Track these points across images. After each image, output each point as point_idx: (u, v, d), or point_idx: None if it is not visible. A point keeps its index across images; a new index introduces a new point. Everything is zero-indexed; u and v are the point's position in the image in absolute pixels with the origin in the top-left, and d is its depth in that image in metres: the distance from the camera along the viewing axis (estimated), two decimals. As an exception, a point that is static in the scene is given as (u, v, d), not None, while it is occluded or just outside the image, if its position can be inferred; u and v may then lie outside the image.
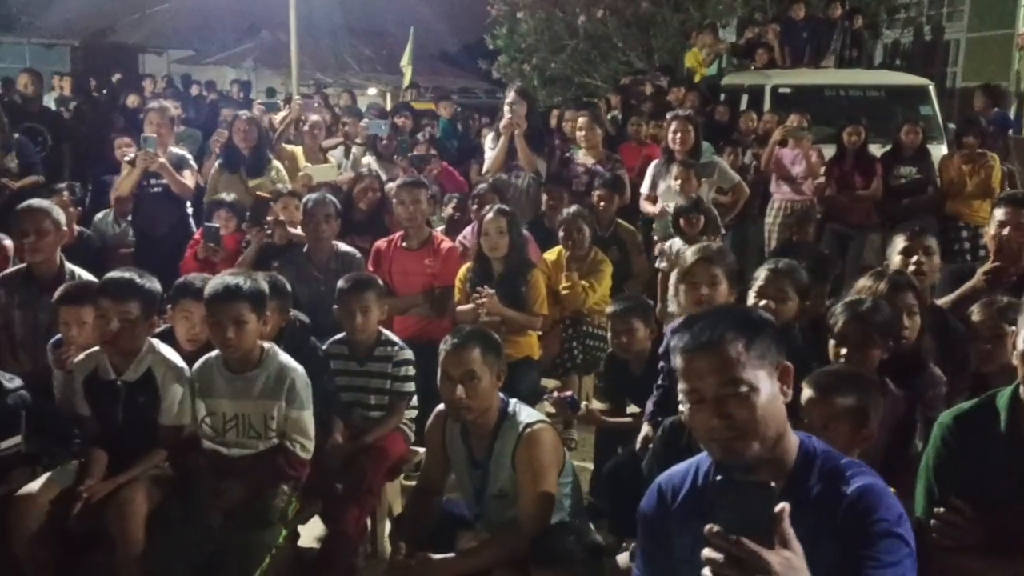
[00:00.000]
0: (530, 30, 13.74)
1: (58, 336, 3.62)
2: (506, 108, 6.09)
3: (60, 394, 3.54)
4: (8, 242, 5.32)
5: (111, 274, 3.32)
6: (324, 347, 3.84)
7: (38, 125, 7.43)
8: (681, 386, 1.77)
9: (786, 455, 1.76)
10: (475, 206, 5.52)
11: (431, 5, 21.86)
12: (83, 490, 3.05)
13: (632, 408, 4.10)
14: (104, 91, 12.17)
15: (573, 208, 5.22)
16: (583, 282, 4.97)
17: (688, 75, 11.55)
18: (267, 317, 3.27)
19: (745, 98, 10.03)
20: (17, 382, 3.31)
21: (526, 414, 2.92)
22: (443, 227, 5.67)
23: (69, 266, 4.16)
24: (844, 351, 2.88)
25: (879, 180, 7.27)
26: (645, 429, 3.40)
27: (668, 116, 6.39)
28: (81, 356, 3.35)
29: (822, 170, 7.39)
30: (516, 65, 13.83)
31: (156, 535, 3.04)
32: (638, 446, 3.36)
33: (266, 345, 3.29)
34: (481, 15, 16.24)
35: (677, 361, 1.78)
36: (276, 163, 6.40)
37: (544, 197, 5.96)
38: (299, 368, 3.28)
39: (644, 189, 6.25)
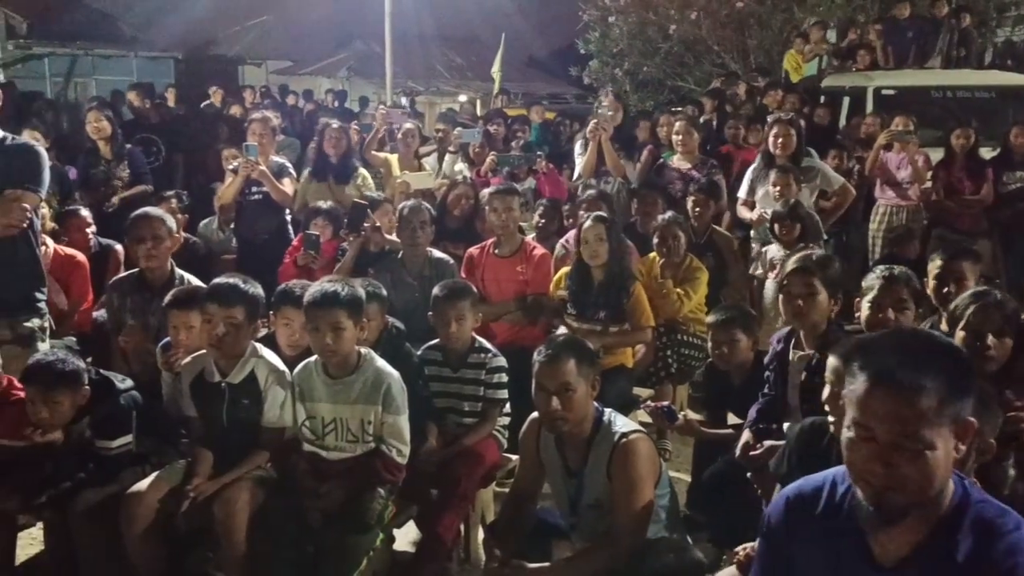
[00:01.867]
0: (622, 34, 13.64)
1: (167, 339, 3.75)
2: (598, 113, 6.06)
3: (168, 395, 3.66)
4: (119, 247, 5.57)
5: (218, 280, 3.41)
6: (418, 353, 3.87)
7: (152, 136, 7.74)
8: (852, 413, 1.62)
9: (939, 504, 1.63)
10: (581, 212, 5.49)
11: (522, 11, 21.98)
12: (190, 489, 3.13)
13: (732, 419, 4.00)
14: (205, 103, 12.60)
15: (668, 214, 5.13)
16: (678, 289, 4.89)
17: (785, 77, 11.28)
18: (364, 323, 3.31)
19: (846, 100, 9.76)
20: (128, 383, 3.44)
21: (621, 423, 2.88)
22: (534, 235, 5.66)
23: (179, 272, 4.31)
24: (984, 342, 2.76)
25: (990, 185, 6.96)
26: (745, 436, 3.31)
27: (768, 119, 6.24)
28: (188, 359, 3.45)
29: (929, 174, 7.12)
30: (608, 70, 13.74)
31: (258, 534, 3.11)
32: (738, 453, 3.27)
33: (363, 351, 3.33)
34: (571, 20, 16.22)
35: (858, 383, 1.61)
36: (363, 171, 6.50)
37: (636, 202, 5.88)
38: (395, 373, 3.32)
39: (741, 194, 6.11)
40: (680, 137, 6.41)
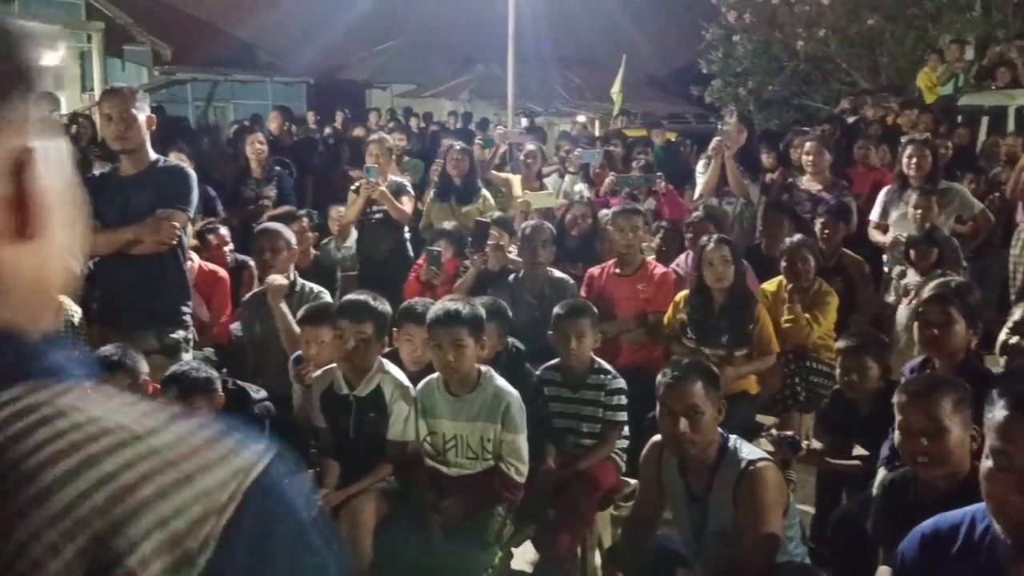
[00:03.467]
0: (746, 53, 13.42)
1: (298, 352, 3.90)
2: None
3: (298, 406, 3.81)
4: (254, 263, 5.84)
5: (348, 296, 3.54)
6: (537, 373, 3.89)
7: (286, 158, 8.11)
8: (990, 441, 1.60)
9: None
10: (690, 234, 5.42)
11: (642, 31, 21.90)
12: (318, 498, 3.23)
13: (857, 450, 3.84)
14: (334, 126, 13.13)
15: (797, 237, 4.99)
16: (806, 315, 4.74)
17: (919, 95, 10.83)
18: (484, 341, 3.35)
19: (985, 120, 9.29)
20: (262, 394, 3.59)
21: (748, 450, 2.82)
22: (653, 257, 5.62)
23: (300, 280, 4.51)
24: None
25: None
26: (881, 474, 3.17)
27: (903, 140, 6.00)
28: (319, 372, 3.58)
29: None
30: (731, 89, 13.54)
31: (381, 545, 3.18)
32: (874, 492, 3.13)
33: (483, 368, 3.38)
34: (692, 40, 16.06)
35: (996, 411, 1.59)
36: (485, 192, 6.59)
37: (762, 224, 5.74)
38: (514, 392, 3.34)
39: (874, 217, 5.89)
40: (810, 158, 6.24)
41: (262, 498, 0.65)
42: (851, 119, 9.50)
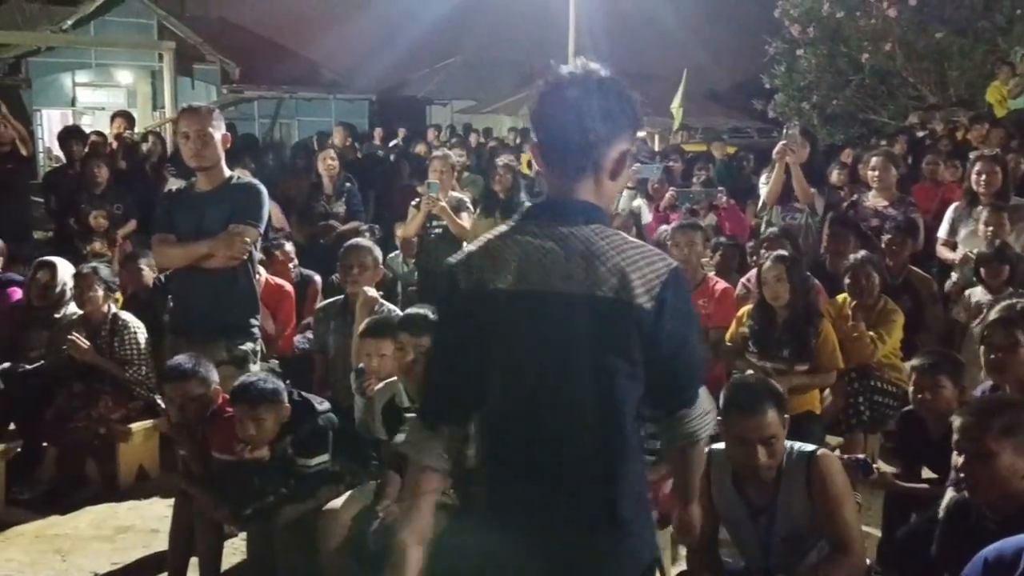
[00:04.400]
0: (810, 67, 13.24)
1: (360, 365, 3.97)
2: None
3: (360, 418, 3.87)
4: (318, 278, 5.97)
5: (409, 311, 3.59)
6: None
7: (348, 173, 8.28)
8: None
9: None
10: (763, 250, 5.36)
11: (703, 45, 21.80)
12: (380, 510, 3.28)
13: (927, 473, 3.75)
14: (397, 142, 13.34)
15: (861, 253, 4.91)
16: (871, 333, 4.65)
17: (989, 110, 10.57)
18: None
19: (1060, 133, 9.00)
20: (326, 405, 3.65)
21: (800, 445, 2.84)
22: (713, 273, 5.57)
23: (380, 301, 4.58)
24: None
25: None
26: (949, 495, 3.09)
27: (971, 155, 5.88)
28: (381, 385, 3.63)
29: None
30: (794, 103, 13.37)
31: (439, 559, 3.19)
32: (941, 514, 3.06)
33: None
34: (754, 53, 15.92)
35: None
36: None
37: (827, 240, 5.66)
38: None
39: (942, 234, 5.77)
40: (877, 173, 6.13)
41: (676, 278, 1.77)
42: (919, 134, 9.32)
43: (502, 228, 1.89)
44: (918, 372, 3.60)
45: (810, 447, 2.80)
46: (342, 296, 4.70)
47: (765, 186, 6.35)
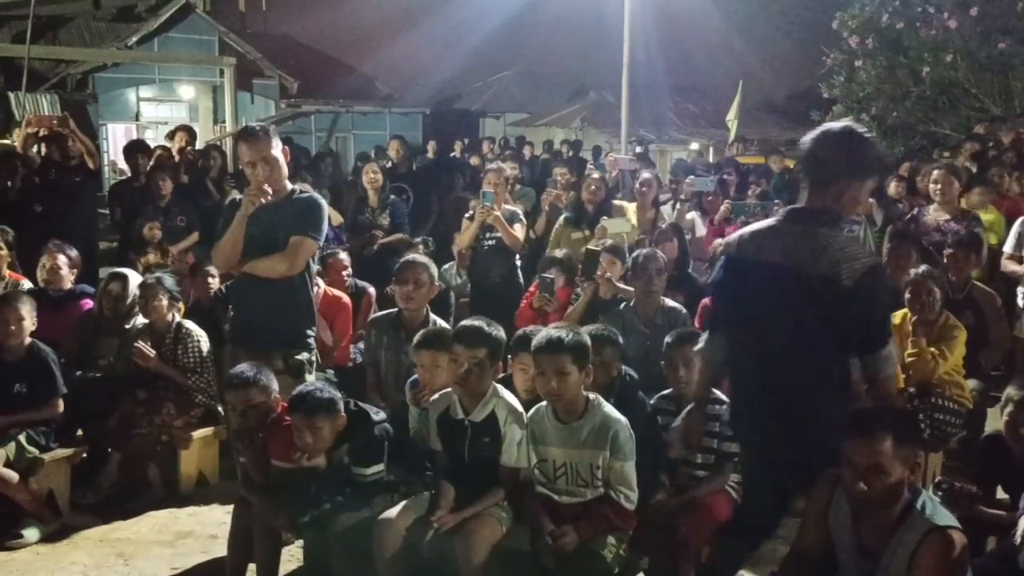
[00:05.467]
0: (869, 78, 13.00)
1: (415, 377, 4.01)
2: None
3: (415, 429, 3.91)
4: (372, 290, 6.04)
5: (464, 322, 3.61)
6: (651, 402, 3.87)
7: (403, 184, 8.38)
8: None
9: None
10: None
11: (759, 57, 21.59)
12: (434, 520, 3.31)
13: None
14: (453, 155, 13.48)
15: (923, 267, 4.81)
16: (932, 349, 4.55)
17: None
18: (589, 368, 3.36)
19: None
20: (382, 415, 3.69)
21: (937, 512, 2.64)
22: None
23: (432, 316, 4.63)
24: None
25: None
26: (1022, 524, 3.00)
27: (1038, 167, 5.73)
28: (436, 396, 3.66)
29: None
30: (853, 115, 13.13)
31: (494, 570, 3.22)
32: (1018, 541, 2.97)
33: (591, 396, 3.39)
34: (811, 63, 15.70)
35: None
36: (605, 220, 6.61)
37: (888, 254, 5.55)
38: (622, 419, 3.34)
39: (1008, 248, 5.62)
40: (939, 186, 6.01)
41: (872, 270, 2.84)
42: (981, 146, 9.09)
43: (770, 220, 3.12)
44: (1017, 405, 3.41)
45: (942, 521, 2.60)
46: (395, 310, 4.75)
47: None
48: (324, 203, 4.11)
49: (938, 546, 2.54)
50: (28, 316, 4.54)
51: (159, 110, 21.07)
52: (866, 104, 13.19)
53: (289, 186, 4.05)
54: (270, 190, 3.84)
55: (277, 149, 3.91)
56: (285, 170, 4.00)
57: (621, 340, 3.91)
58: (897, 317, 4.74)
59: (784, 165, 10.12)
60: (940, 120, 12.91)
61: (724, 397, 3.76)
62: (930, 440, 4.48)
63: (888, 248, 5.58)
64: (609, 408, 3.37)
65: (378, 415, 3.66)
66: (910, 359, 4.53)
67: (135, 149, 8.43)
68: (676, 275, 5.64)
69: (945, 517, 2.62)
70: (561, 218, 6.77)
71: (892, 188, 7.25)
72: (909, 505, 2.63)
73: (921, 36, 12.65)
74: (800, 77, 20.65)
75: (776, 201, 7.06)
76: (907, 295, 4.69)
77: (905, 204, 6.61)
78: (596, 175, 6.82)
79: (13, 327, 4.48)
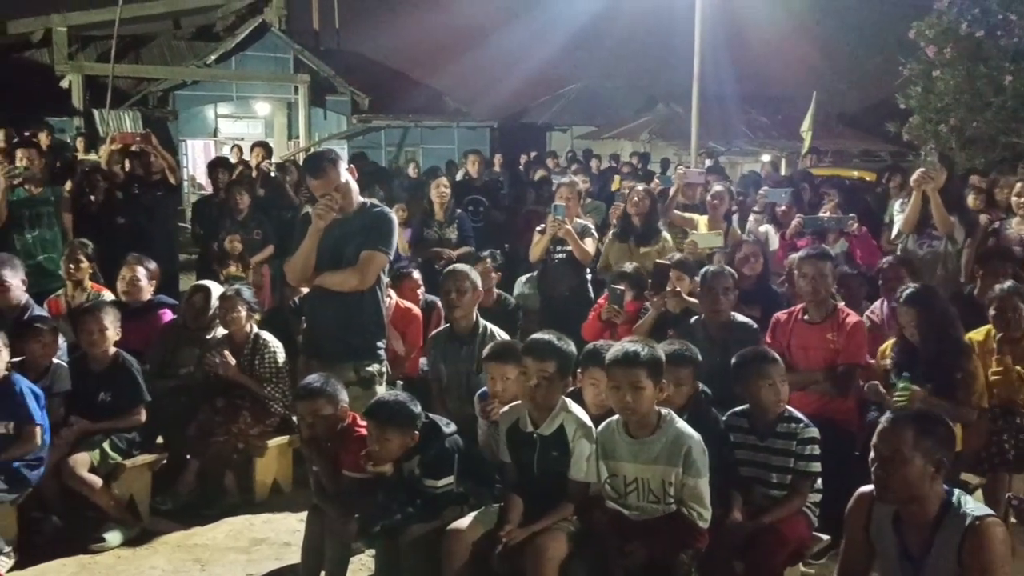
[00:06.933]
0: (948, 88, 12.63)
1: (483, 389, 4.03)
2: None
3: (483, 441, 3.93)
4: (440, 302, 6.08)
5: (534, 336, 3.62)
6: (724, 419, 3.82)
7: (479, 197, 8.46)
8: None
9: None
10: (881, 281, 5.16)
11: (833, 67, 21.20)
12: (503, 534, 3.31)
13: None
14: (519, 168, 13.54)
15: (1008, 283, 4.65)
16: (1017, 367, 4.40)
17: None
18: (664, 384, 3.33)
19: None
20: (452, 427, 3.71)
21: (972, 506, 2.66)
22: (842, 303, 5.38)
23: (483, 322, 4.66)
24: None
25: None
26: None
27: None
28: (505, 408, 3.68)
29: None
30: (930, 126, 12.77)
31: (563, 585, 3.21)
32: None
33: (664, 411, 3.36)
34: (888, 74, 15.35)
35: None
36: (665, 234, 6.55)
37: (980, 270, 5.37)
38: (696, 436, 3.30)
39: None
40: (1021, 199, 5.80)
41: None
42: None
43: None
44: None
45: (979, 511, 2.63)
46: (447, 325, 4.82)
47: (900, 214, 6.11)
48: (394, 217, 4.18)
49: (984, 538, 2.56)
50: (112, 326, 4.70)
51: (236, 126, 21.66)
52: (944, 115, 12.81)
53: (358, 200, 4.13)
54: (337, 206, 3.92)
55: (343, 173, 3.99)
56: (355, 189, 4.08)
57: (700, 359, 3.86)
58: (981, 334, 4.60)
59: (859, 176, 9.90)
60: (1022, 131, 12.46)
61: (801, 415, 3.70)
62: (1014, 461, 4.33)
63: (980, 266, 5.39)
64: (682, 424, 3.34)
65: (449, 427, 3.69)
66: (995, 377, 4.39)
67: (217, 165, 8.71)
68: (755, 289, 5.58)
69: (981, 508, 2.65)
70: (610, 232, 6.74)
71: (970, 200, 7.01)
72: (946, 504, 2.65)
73: (1002, 45, 12.26)
74: (875, 87, 20.22)
75: (852, 215, 6.89)
76: (992, 312, 4.54)
77: (984, 217, 6.39)
78: (640, 188, 6.76)
79: (96, 336, 4.65)
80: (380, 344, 4.23)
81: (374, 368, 4.17)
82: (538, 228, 6.35)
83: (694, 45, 12.27)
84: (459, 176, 10.95)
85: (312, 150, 16.17)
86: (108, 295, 5.56)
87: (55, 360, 4.67)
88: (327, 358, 4.09)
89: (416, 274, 5.98)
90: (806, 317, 4.70)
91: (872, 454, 2.68)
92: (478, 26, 26.12)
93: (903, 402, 3.92)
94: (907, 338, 4.29)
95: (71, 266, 5.62)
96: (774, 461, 3.64)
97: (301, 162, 9.49)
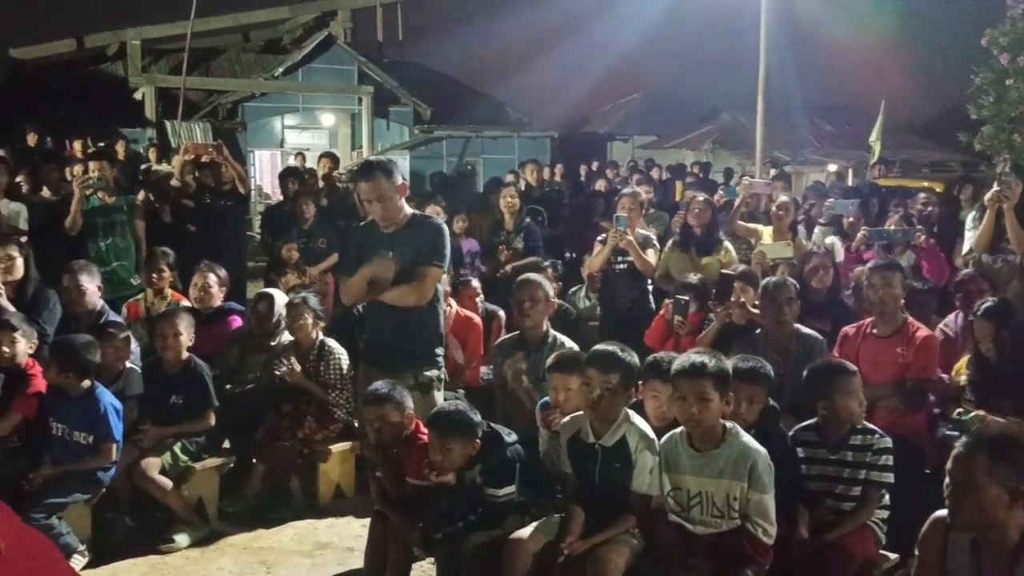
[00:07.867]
0: (1021, 97, 12.27)
1: (545, 398, 4.03)
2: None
3: (544, 451, 3.92)
4: (502, 313, 6.12)
5: (597, 347, 3.60)
6: (791, 433, 3.76)
7: (539, 207, 8.48)
8: None
9: None
10: (959, 294, 5.03)
11: (903, 76, 20.75)
12: (564, 546, 3.30)
13: None
14: (580, 179, 13.51)
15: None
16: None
17: None
18: (730, 396, 3.29)
19: None
20: (513, 437, 3.72)
21: None
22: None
23: (553, 332, 4.66)
24: None
25: None
26: None
27: None
28: (567, 419, 3.67)
29: None
30: (1004, 136, 12.41)
31: (625, 599, 3.19)
32: None
33: (729, 425, 3.32)
34: (958, 83, 14.97)
35: None
36: (727, 244, 6.48)
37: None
38: (762, 450, 3.25)
39: None
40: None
41: None
42: None
43: None
44: None
45: None
46: (517, 332, 4.81)
47: (971, 230, 5.94)
48: (445, 227, 4.23)
49: None
50: (185, 331, 4.83)
51: (301, 137, 22.07)
52: (1018, 125, 12.44)
53: (408, 212, 4.19)
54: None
55: (391, 186, 4.04)
56: (401, 204, 4.14)
57: (773, 375, 3.81)
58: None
59: (928, 187, 9.65)
60: (1098, 141, 12.04)
61: (874, 427, 3.63)
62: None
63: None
64: (747, 438, 3.30)
65: (510, 437, 3.70)
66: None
67: (288, 175, 8.94)
68: (825, 302, 5.48)
69: None
70: (670, 241, 6.69)
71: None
72: None
73: (1078, 52, 11.87)
74: (946, 97, 19.73)
75: (919, 228, 6.73)
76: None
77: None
78: (701, 198, 6.69)
79: (171, 340, 4.78)
80: (439, 351, 4.27)
81: (432, 373, 4.21)
82: (599, 239, 6.34)
83: (759, 53, 12.13)
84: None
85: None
86: (186, 303, 5.71)
87: (128, 364, 4.81)
88: (386, 366, 4.13)
89: (475, 283, 6.02)
90: (875, 331, 4.60)
91: (946, 479, 2.59)
92: (539, 37, 26.29)
93: (978, 424, 3.82)
94: (982, 354, 4.17)
95: (153, 275, 5.74)
96: (844, 474, 3.57)
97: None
